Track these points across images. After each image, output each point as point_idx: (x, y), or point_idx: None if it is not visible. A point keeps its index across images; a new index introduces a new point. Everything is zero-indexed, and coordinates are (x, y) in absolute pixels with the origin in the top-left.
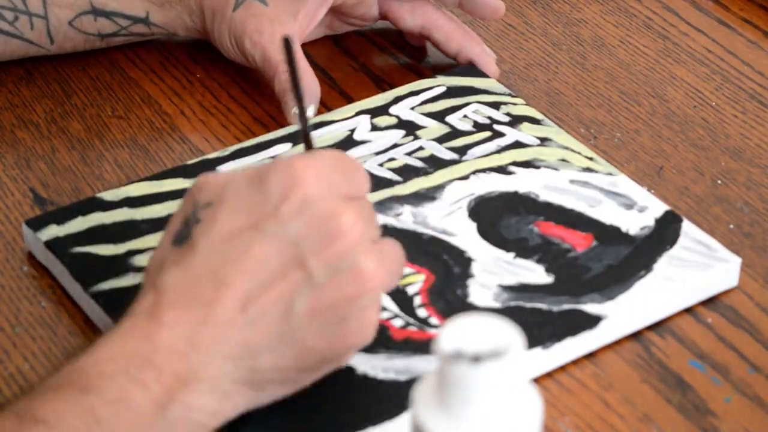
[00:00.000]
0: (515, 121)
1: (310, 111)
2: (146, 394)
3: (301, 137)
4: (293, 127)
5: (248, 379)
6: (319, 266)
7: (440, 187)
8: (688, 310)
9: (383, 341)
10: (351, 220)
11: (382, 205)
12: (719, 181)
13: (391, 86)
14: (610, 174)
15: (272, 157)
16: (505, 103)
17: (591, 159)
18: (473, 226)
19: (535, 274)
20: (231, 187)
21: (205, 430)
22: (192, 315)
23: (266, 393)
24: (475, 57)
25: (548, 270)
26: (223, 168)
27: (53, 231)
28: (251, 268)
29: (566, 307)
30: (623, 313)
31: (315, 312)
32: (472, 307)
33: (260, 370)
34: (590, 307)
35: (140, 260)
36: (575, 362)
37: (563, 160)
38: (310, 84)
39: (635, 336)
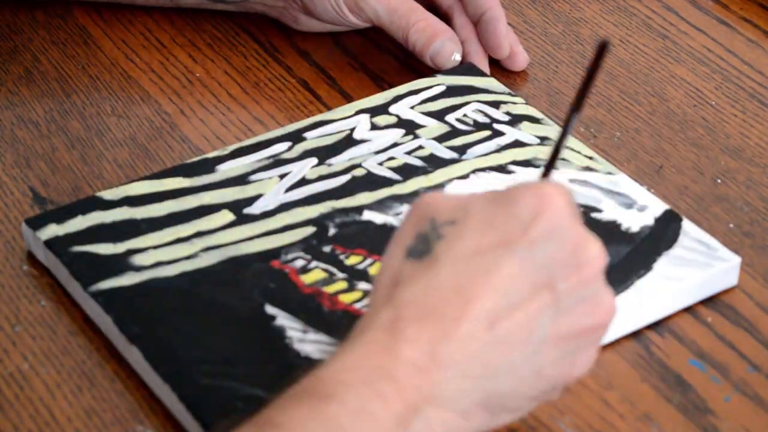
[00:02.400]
0: (515, 120)
1: (458, 55)
2: (387, 406)
3: (551, 156)
4: (293, 127)
5: (485, 401)
6: (566, 292)
7: (440, 186)
8: (688, 310)
9: None
10: (598, 250)
11: (381, 205)
12: (719, 181)
13: (391, 85)
14: (610, 173)
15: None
16: (504, 102)
17: (591, 158)
18: None
19: None
20: (476, 206)
21: None
22: (436, 330)
23: (498, 418)
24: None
25: None
26: (223, 167)
27: (53, 230)
28: (501, 286)
29: None
30: (623, 313)
31: (555, 338)
32: None
33: (498, 393)
34: None
35: (140, 259)
36: None
37: (563, 159)
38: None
39: (635, 335)
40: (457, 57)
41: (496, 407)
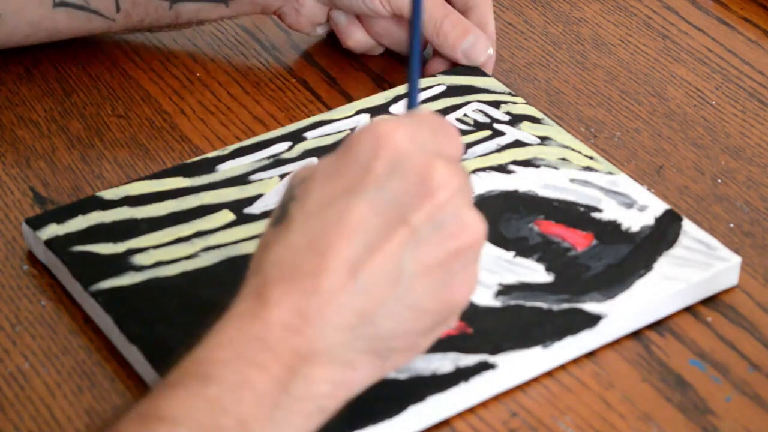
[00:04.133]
0: (515, 120)
1: (491, 50)
2: (266, 374)
3: (408, 87)
4: (293, 126)
5: (370, 347)
6: (421, 221)
7: None
8: (689, 309)
9: None
10: (445, 173)
11: None
12: (719, 180)
13: (391, 85)
14: (610, 173)
15: (276, 157)
16: (505, 102)
17: (591, 158)
18: None
19: (536, 273)
20: (322, 162)
21: (335, 402)
22: (299, 287)
23: (390, 361)
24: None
25: (548, 269)
26: (223, 167)
27: (53, 230)
28: (353, 232)
29: (566, 306)
30: (623, 312)
31: (423, 270)
32: (472, 306)
33: (380, 337)
34: (590, 306)
35: (140, 259)
36: (575, 361)
37: (563, 159)
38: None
39: (635, 335)
40: (491, 52)
41: (383, 351)
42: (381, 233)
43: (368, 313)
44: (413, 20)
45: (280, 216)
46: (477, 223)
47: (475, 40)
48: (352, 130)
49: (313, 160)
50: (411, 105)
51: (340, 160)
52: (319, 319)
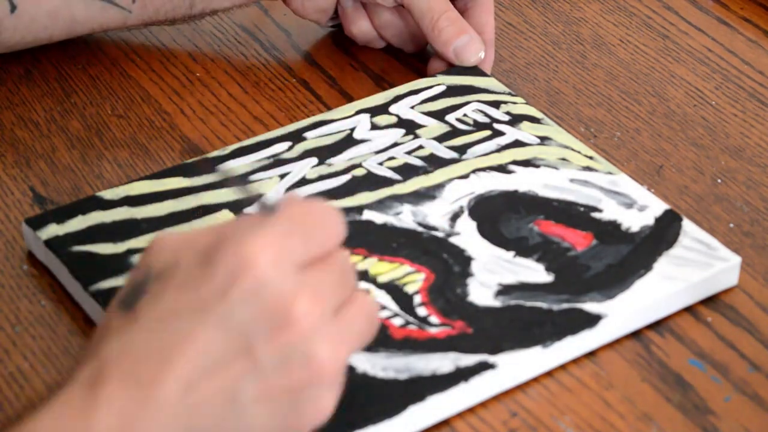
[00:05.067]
0: (515, 120)
1: (482, 53)
2: None
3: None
4: (293, 126)
5: None
6: (266, 356)
7: (440, 186)
8: (688, 309)
9: (383, 340)
10: (305, 307)
11: (382, 204)
12: (719, 180)
13: (391, 85)
14: (610, 173)
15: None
16: (504, 102)
17: (591, 158)
18: (473, 225)
19: (535, 273)
20: (184, 261)
21: None
22: (131, 393)
23: None
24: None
25: (548, 269)
26: (224, 167)
27: (53, 230)
28: (195, 352)
29: (566, 306)
30: (623, 312)
31: (263, 399)
32: (472, 306)
33: None
34: (590, 306)
35: None
36: (575, 361)
37: (563, 159)
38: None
39: (635, 335)
40: (482, 55)
41: None
42: (222, 359)
43: (196, 429)
44: None
45: (129, 302)
46: (326, 359)
47: (468, 41)
48: (352, 130)
49: (181, 227)
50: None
51: (200, 270)
52: (144, 430)
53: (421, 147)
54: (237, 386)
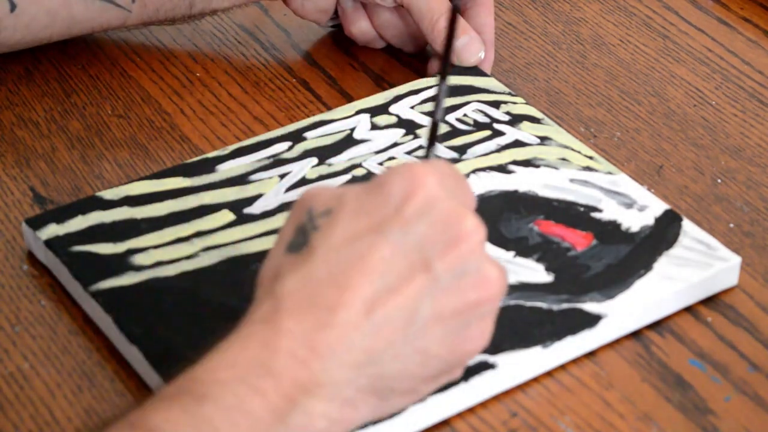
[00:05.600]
0: (515, 120)
1: (482, 53)
2: (264, 401)
3: (429, 135)
4: (293, 126)
5: (372, 387)
6: (444, 269)
7: None
8: (688, 309)
9: None
10: (474, 223)
11: None
12: (719, 180)
13: (391, 85)
14: (610, 173)
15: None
16: (504, 102)
17: (591, 158)
18: None
19: (535, 273)
20: (349, 195)
21: None
22: (313, 320)
23: (390, 403)
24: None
25: (548, 269)
26: (223, 167)
27: (53, 230)
28: (375, 271)
29: (566, 306)
30: (623, 312)
31: (439, 317)
32: None
33: (384, 377)
34: (590, 306)
35: (140, 259)
36: (575, 361)
37: (563, 159)
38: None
39: (635, 335)
40: (481, 55)
41: (384, 391)
42: (402, 276)
43: (376, 352)
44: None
45: (299, 244)
46: (498, 278)
47: (468, 41)
48: (352, 130)
49: (328, 182)
50: (428, 155)
51: (371, 196)
52: (328, 354)
53: (421, 147)
54: (416, 304)
